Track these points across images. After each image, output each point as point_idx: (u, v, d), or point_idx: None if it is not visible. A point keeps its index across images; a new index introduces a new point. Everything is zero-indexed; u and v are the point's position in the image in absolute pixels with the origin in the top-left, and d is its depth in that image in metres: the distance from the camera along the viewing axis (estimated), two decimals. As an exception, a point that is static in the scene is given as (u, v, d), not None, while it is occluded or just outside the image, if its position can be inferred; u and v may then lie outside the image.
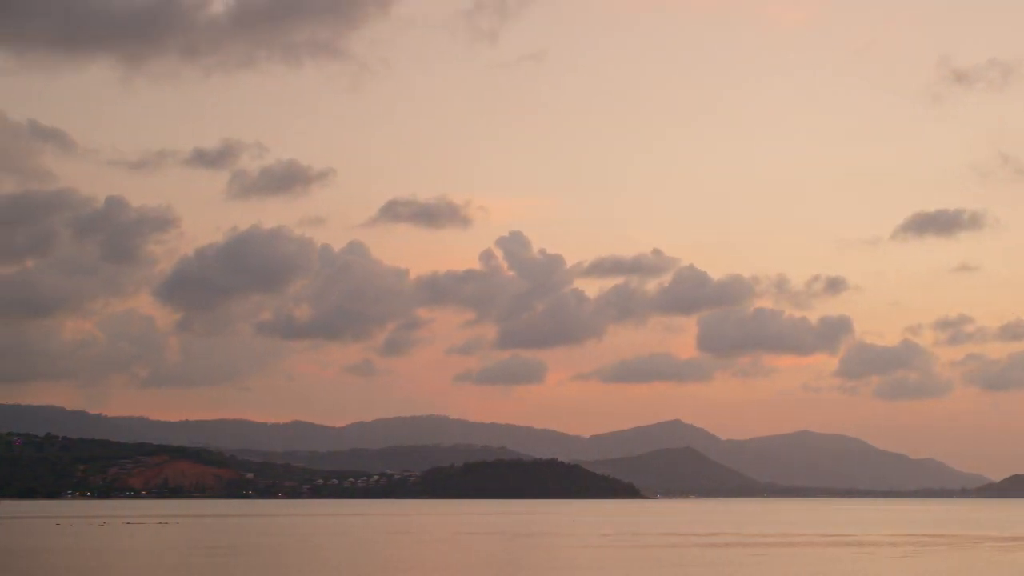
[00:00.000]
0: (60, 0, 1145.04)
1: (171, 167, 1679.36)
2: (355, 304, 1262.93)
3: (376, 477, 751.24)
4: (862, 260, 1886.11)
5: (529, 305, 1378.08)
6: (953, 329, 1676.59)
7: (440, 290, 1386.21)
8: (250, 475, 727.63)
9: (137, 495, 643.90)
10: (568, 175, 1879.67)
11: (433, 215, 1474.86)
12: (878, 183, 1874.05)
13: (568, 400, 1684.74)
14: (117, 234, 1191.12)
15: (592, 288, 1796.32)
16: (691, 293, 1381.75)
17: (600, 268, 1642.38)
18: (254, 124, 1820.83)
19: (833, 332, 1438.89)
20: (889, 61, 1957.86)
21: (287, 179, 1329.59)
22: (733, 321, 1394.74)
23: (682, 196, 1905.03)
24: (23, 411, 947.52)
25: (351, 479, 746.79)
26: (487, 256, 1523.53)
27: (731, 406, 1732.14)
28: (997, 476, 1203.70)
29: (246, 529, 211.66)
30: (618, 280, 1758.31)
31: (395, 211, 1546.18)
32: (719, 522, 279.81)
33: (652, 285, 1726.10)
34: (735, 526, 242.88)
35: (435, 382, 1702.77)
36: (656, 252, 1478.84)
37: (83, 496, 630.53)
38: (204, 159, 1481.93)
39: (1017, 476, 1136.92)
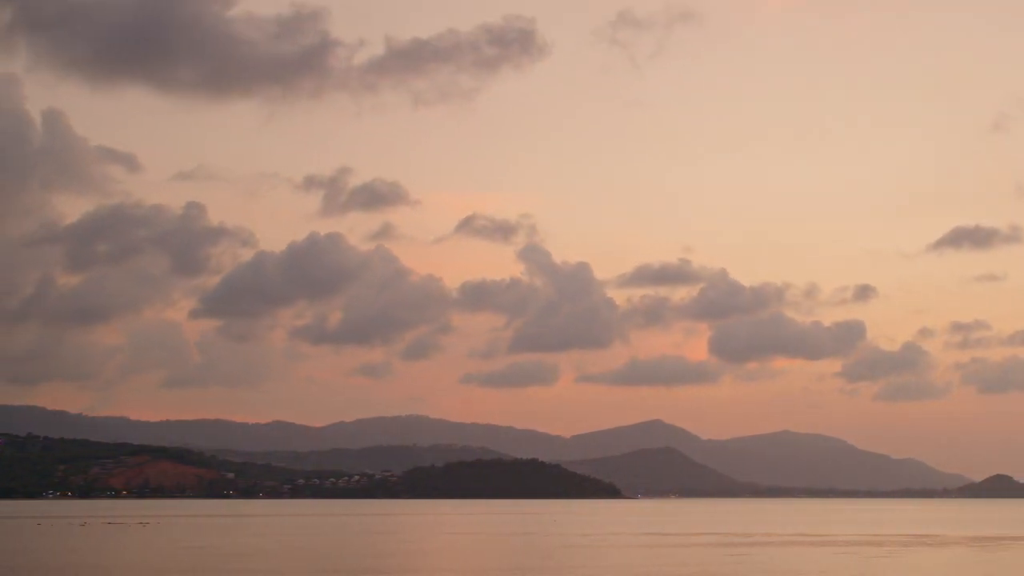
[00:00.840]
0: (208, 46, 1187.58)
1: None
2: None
3: (357, 477, 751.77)
4: (894, 270, 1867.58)
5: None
6: (964, 334, 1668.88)
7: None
8: (231, 475, 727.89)
9: (118, 495, 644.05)
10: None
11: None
12: (922, 198, 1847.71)
13: (550, 401, 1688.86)
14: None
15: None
16: (722, 300, 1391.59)
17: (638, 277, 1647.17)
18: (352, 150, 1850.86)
19: (847, 337, 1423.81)
20: (945, 83, 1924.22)
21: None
22: (749, 326, 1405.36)
23: (717, 203, 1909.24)
24: (3, 411, 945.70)
25: (332, 479, 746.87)
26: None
27: (714, 406, 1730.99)
28: (979, 476, 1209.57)
29: (229, 529, 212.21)
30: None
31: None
32: (699, 522, 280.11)
33: (682, 292, 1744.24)
34: (716, 526, 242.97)
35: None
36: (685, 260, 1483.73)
37: (64, 496, 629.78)
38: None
39: (998, 476, 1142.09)
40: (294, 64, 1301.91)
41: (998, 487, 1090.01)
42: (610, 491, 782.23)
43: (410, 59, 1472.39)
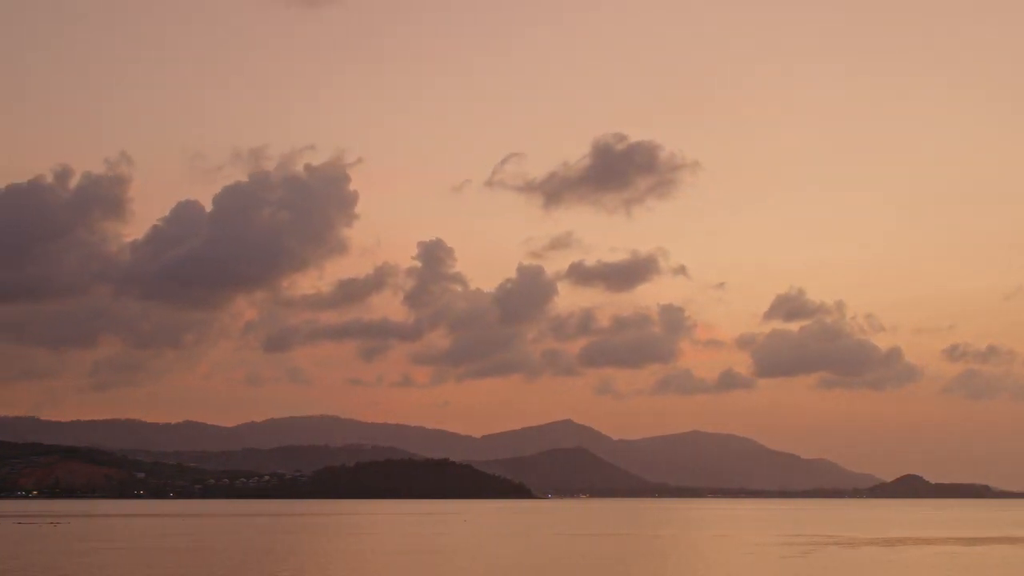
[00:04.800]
0: None
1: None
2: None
3: (267, 477, 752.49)
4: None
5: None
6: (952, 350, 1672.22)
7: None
8: (141, 475, 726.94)
9: (28, 495, 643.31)
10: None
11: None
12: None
13: (460, 400, 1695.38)
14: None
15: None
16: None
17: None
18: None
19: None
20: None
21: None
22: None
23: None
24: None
25: (242, 479, 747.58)
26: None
27: (620, 405, 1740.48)
28: (889, 476, 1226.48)
29: (142, 530, 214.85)
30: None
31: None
32: (610, 521, 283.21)
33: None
34: (627, 525, 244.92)
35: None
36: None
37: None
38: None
39: (908, 476, 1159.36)
40: None
41: (909, 487, 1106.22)
42: (521, 491, 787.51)
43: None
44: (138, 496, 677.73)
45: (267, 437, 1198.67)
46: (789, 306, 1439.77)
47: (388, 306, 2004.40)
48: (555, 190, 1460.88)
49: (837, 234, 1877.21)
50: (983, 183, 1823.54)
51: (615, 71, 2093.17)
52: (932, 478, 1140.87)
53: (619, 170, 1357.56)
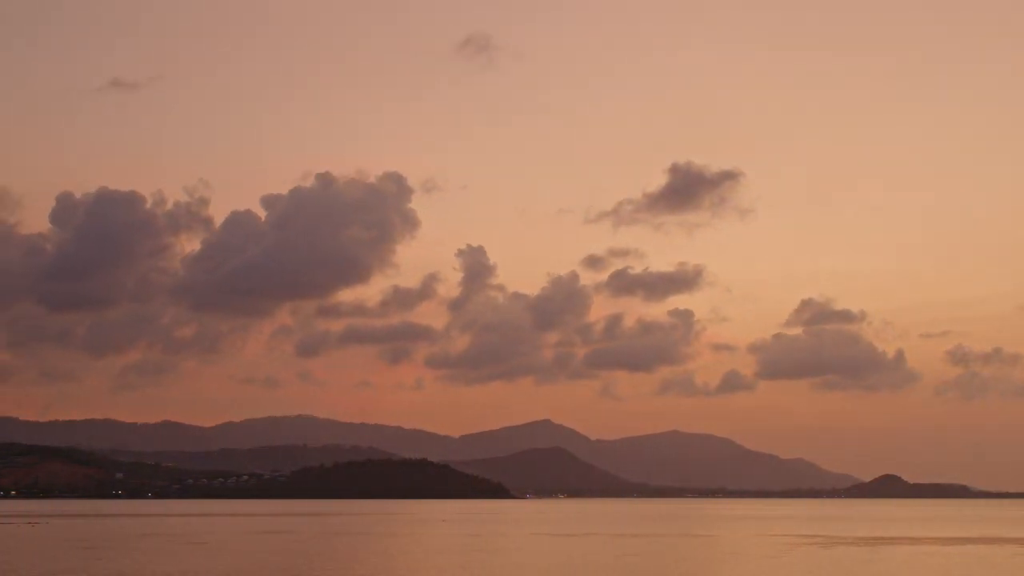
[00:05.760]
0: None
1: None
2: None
3: (246, 477, 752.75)
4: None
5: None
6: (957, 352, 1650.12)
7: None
8: (120, 475, 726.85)
9: (7, 495, 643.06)
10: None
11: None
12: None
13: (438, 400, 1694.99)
14: None
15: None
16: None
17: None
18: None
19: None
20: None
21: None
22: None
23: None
24: None
25: (220, 479, 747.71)
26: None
27: (599, 406, 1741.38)
28: (867, 476, 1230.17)
29: (121, 529, 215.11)
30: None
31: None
32: (584, 522, 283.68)
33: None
34: (599, 526, 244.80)
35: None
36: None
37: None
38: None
39: (886, 476, 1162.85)
40: None
41: (887, 487, 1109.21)
42: (499, 491, 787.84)
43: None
44: (116, 496, 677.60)
45: (246, 437, 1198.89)
46: (804, 312, 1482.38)
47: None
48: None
49: (853, 243, 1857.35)
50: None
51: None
52: (910, 478, 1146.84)
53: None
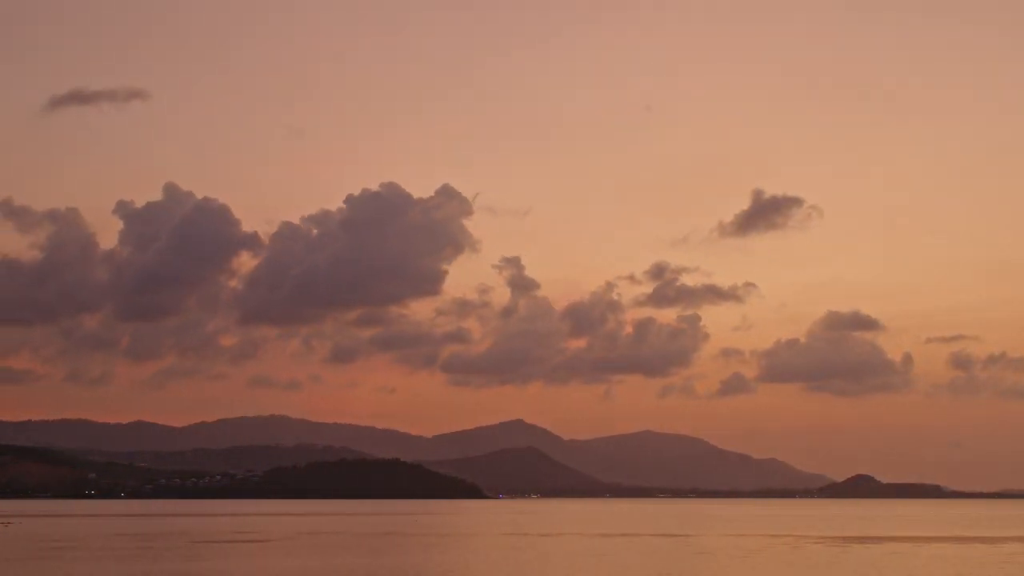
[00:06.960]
0: None
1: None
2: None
3: (219, 477, 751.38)
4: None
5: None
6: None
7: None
8: (93, 475, 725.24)
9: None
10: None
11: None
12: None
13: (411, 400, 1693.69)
14: None
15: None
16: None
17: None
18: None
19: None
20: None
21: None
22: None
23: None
24: None
25: (193, 479, 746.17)
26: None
27: (573, 406, 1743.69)
28: (840, 476, 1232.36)
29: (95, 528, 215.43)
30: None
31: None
32: (558, 522, 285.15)
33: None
34: (574, 525, 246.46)
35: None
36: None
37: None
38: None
39: (859, 476, 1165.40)
40: None
41: (861, 487, 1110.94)
42: (472, 491, 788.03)
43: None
44: (89, 496, 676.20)
45: (218, 437, 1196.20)
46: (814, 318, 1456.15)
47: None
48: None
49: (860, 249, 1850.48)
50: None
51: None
52: (884, 478, 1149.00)
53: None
